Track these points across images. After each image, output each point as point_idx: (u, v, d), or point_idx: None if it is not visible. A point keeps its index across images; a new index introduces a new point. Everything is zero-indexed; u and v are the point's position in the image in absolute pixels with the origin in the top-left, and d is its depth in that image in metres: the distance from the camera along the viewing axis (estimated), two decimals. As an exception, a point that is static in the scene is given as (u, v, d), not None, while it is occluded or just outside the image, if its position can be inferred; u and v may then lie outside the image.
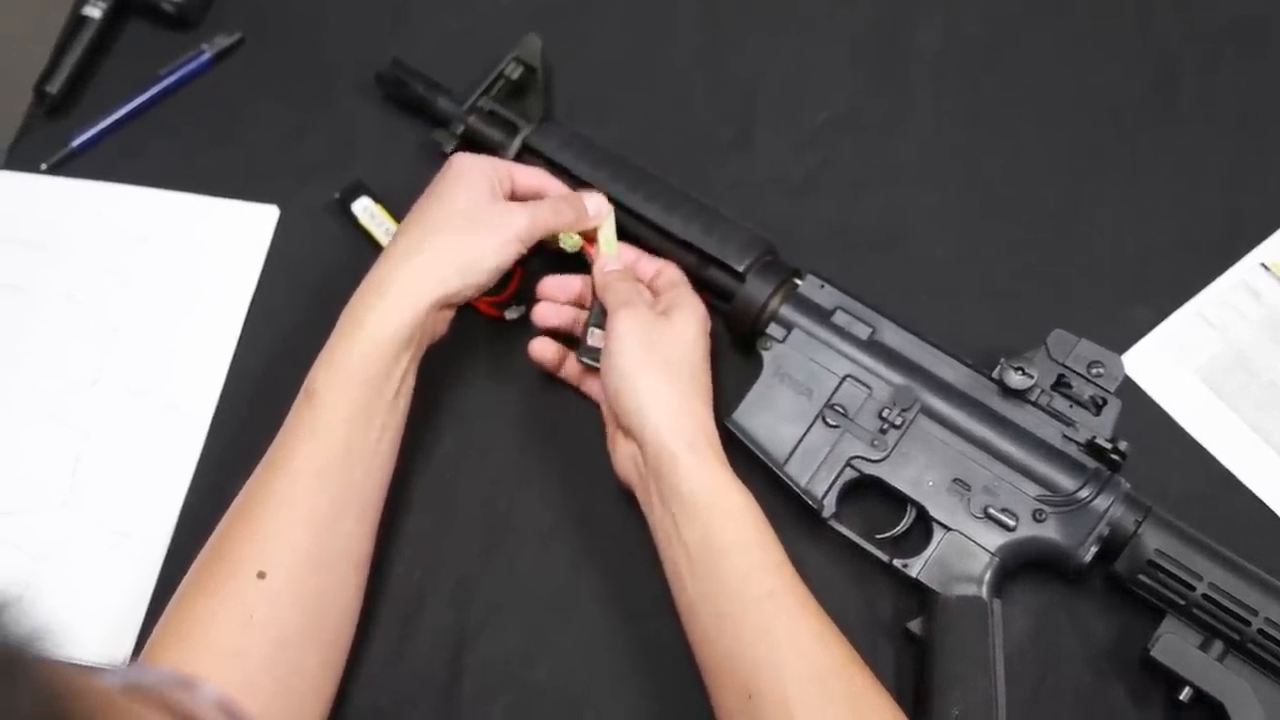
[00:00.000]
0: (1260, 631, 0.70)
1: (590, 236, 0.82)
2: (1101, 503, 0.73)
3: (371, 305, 0.73)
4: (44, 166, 0.91)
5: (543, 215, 0.78)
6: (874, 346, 0.78)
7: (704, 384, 0.76)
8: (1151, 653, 0.71)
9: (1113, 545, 0.73)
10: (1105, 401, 0.76)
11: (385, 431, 0.73)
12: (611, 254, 0.81)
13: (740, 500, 0.71)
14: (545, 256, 0.82)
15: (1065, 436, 0.75)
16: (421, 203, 0.78)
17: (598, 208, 0.81)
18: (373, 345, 0.72)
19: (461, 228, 0.76)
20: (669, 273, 0.81)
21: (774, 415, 0.77)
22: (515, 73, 0.89)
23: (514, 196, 0.80)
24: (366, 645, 0.75)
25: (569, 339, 0.81)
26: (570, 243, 0.81)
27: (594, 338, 0.79)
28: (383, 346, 0.72)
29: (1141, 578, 0.72)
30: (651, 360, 0.74)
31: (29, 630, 0.32)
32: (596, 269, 0.81)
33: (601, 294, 0.79)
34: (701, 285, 0.82)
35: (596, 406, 0.80)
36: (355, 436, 0.72)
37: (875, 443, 0.76)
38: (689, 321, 0.76)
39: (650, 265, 0.82)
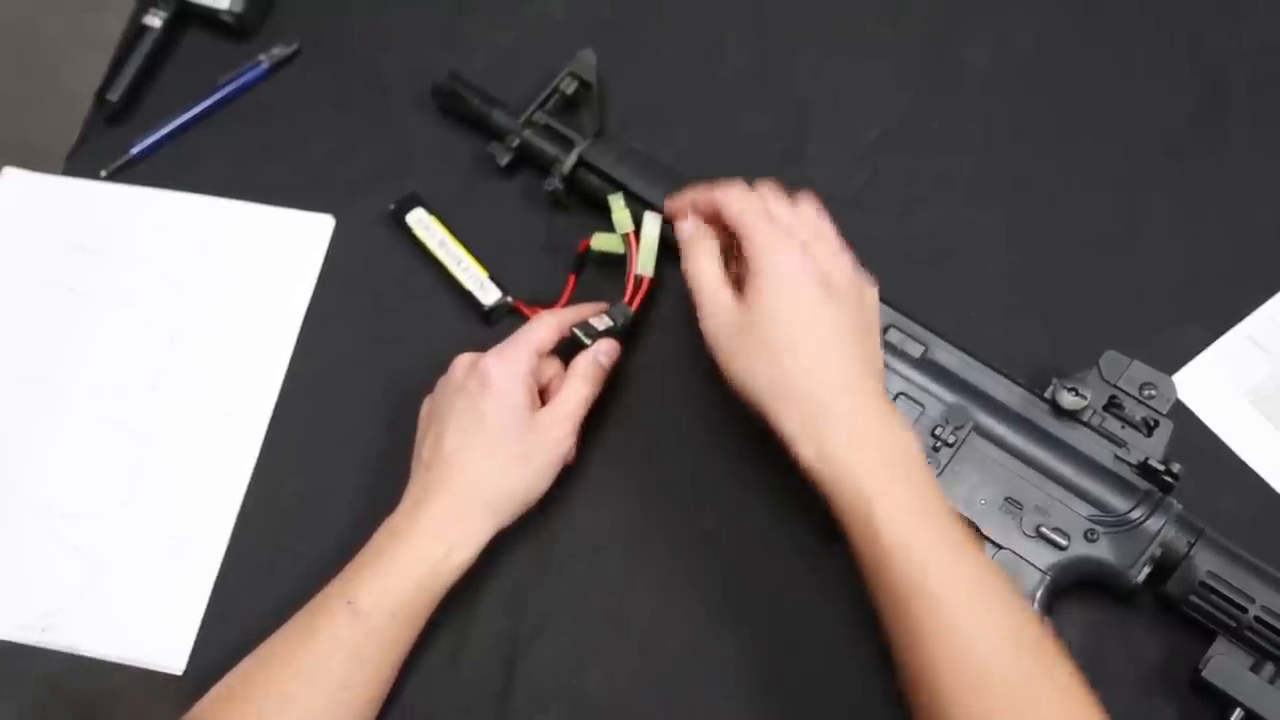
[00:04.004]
0: (1312, 655, 0.70)
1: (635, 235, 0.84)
2: (1154, 524, 0.73)
3: (430, 540, 0.73)
4: (103, 173, 0.92)
5: (579, 398, 0.77)
6: (927, 365, 0.78)
7: (830, 350, 0.70)
8: (1203, 674, 0.72)
9: (1165, 566, 0.73)
10: (1157, 423, 0.76)
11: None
12: (650, 258, 0.83)
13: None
14: (596, 262, 0.85)
15: (1117, 457, 0.76)
16: (464, 421, 0.75)
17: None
18: (432, 577, 0.73)
19: (514, 466, 0.75)
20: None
21: (826, 431, 0.78)
22: (570, 87, 0.90)
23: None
24: (422, 650, 0.75)
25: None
26: (615, 244, 0.83)
27: (597, 321, 0.81)
28: (443, 580, 0.73)
29: (1193, 599, 0.73)
30: (754, 366, 0.70)
31: None
32: (632, 271, 0.83)
33: (686, 261, 0.75)
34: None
35: (648, 419, 0.82)
36: (399, 650, 0.73)
37: (928, 460, 0.76)
38: (775, 289, 0.70)
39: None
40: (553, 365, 0.80)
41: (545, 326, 0.79)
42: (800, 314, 0.70)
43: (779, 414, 0.69)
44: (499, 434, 0.75)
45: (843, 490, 0.67)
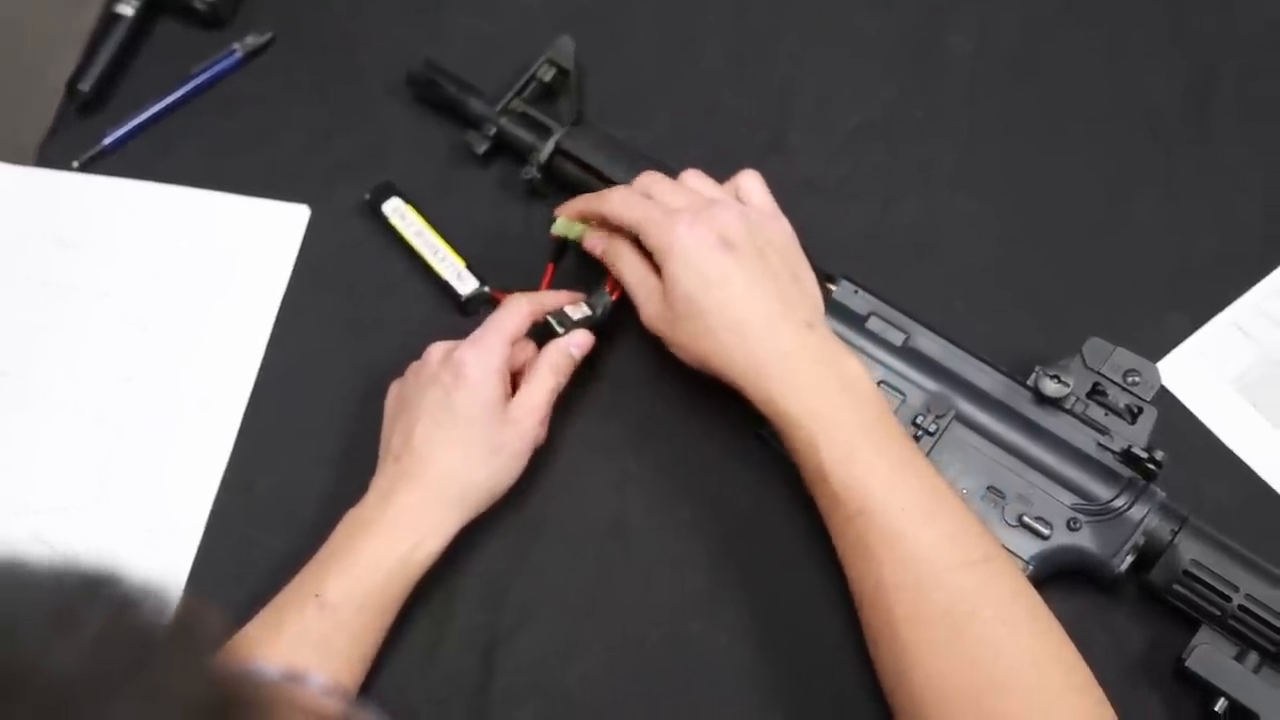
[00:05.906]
0: (1298, 643, 0.69)
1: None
2: (1137, 512, 0.73)
3: (400, 532, 0.72)
4: (75, 164, 0.91)
5: (547, 389, 0.76)
6: (908, 353, 0.78)
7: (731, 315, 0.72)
8: (1186, 663, 0.71)
9: (1148, 555, 0.72)
10: (1141, 410, 0.75)
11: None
12: None
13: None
14: (576, 250, 0.83)
15: (1100, 445, 0.75)
16: (436, 413, 0.74)
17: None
18: (402, 568, 0.72)
19: (486, 459, 0.74)
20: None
21: (807, 421, 0.77)
22: (548, 74, 0.89)
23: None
24: (398, 644, 0.74)
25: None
26: (578, 230, 0.81)
27: (575, 309, 0.80)
28: (412, 571, 0.72)
29: (1177, 588, 0.72)
30: (693, 342, 0.73)
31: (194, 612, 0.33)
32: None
33: (612, 265, 0.78)
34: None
35: (627, 409, 0.81)
36: (369, 642, 0.72)
37: (908, 449, 0.75)
38: (680, 265, 0.72)
39: None
40: (526, 349, 0.79)
41: (519, 312, 0.78)
42: (709, 279, 0.72)
43: (725, 375, 0.72)
44: (471, 428, 0.74)
45: (792, 435, 0.70)
